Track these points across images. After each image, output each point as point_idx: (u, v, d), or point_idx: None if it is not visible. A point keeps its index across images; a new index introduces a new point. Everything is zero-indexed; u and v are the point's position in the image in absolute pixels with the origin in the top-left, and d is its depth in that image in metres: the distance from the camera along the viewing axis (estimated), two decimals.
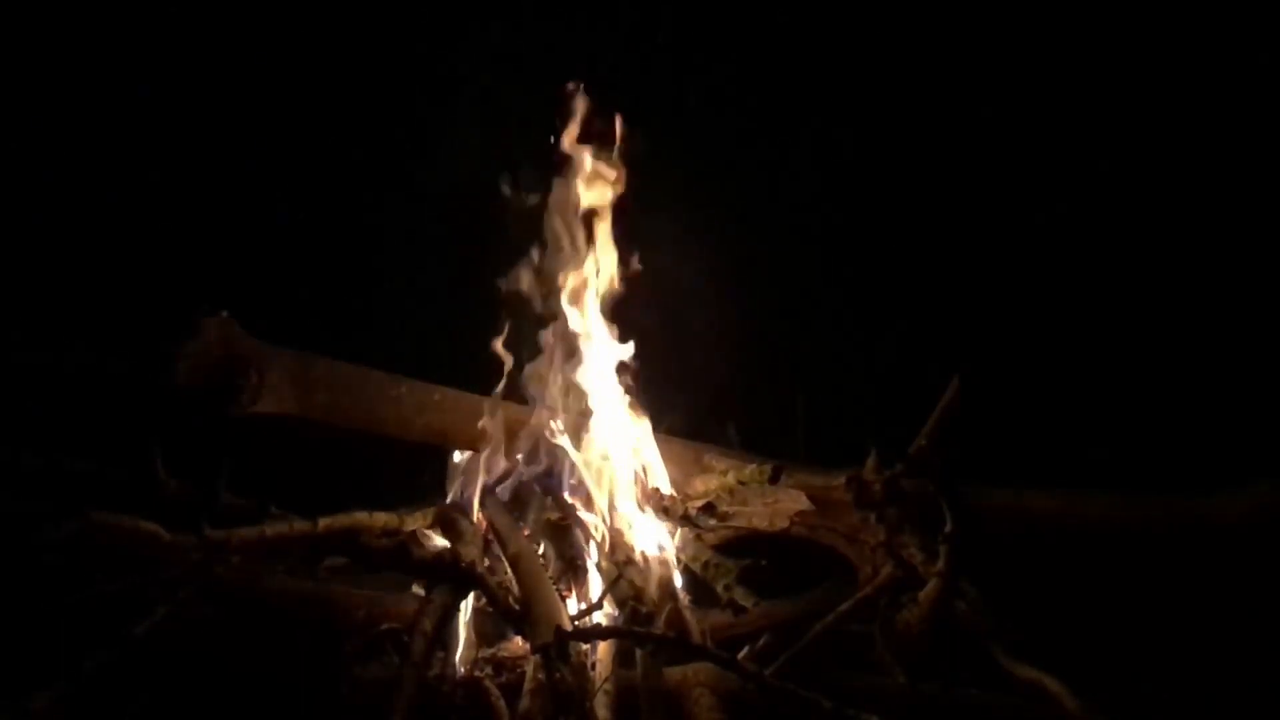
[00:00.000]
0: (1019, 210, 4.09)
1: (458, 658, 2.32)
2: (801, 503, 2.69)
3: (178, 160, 3.94)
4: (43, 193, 3.79)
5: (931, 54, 4.17)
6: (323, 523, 2.32)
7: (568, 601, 2.44)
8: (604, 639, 2.18)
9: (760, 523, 2.73)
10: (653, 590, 2.44)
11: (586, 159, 3.08)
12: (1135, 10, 4.00)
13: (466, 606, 2.41)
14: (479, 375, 3.24)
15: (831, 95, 4.20)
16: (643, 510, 2.81)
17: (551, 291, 3.13)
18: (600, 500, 2.79)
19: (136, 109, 3.95)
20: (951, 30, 4.17)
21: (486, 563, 2.48)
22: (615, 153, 3.07)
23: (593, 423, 2.97)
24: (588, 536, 2.66)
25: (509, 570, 2.44)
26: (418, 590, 2.51)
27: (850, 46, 4.21)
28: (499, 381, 3.23)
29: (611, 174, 3.05)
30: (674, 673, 2.18)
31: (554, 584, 2.38)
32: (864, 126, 4.20)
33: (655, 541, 2.71)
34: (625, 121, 3.12)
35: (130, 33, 3.95)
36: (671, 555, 2.65)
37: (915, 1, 4.24)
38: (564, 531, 2.66)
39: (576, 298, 3.10)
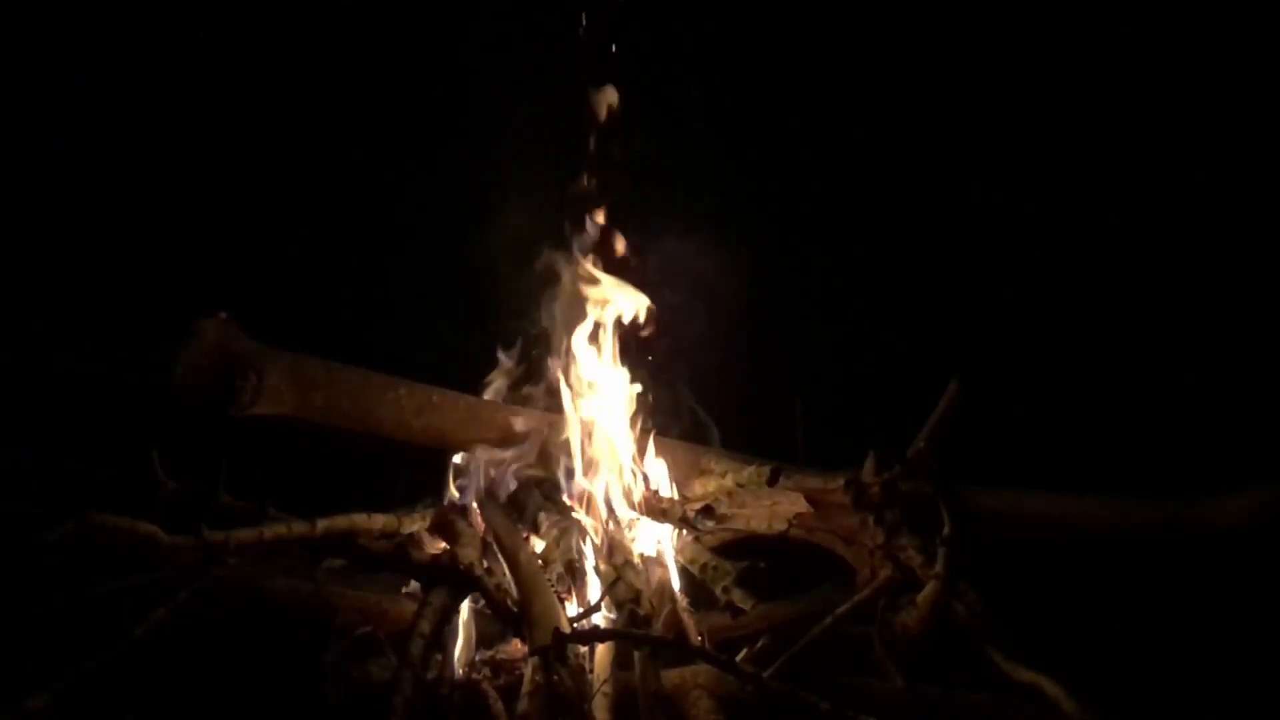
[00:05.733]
0: (1019, 212, 4.09)
1: (456, 660, 2.32)
2: (800, 505, 2.69)
3: (177, 162, 3.94)
4: (43, 194, 3.79)
5: (931, 54, 4.18)
6: (321, 524, 2.32)
7: (566, 604, 2.44)
8: (602, 641, 2.18)
9: (758, 525, 2.73)
10: (651, 592, 2.44)
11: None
12: (1134, 10, 4.00)
13: (465, 608, 2.41)
14: (478, 377, 3.26)
15: (831, 95, 4.20)
16: (641, 513, 2.81)
17: (554, 294, 3.14)
18: (599, 502, 2.80)
19: (137, 110, 3.96)
20: (953, 30, 4.17)
21: (485, 564, 2.48)
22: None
23: (592, 425, 2.97)
24: (587, 539, 2.66)
25: (507, 572, 2.44)
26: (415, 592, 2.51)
27: (850, 46, 4.21)
28: (498, 383, 3.24)
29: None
30: (672, 675, 2.18)
31: (552, 586, 2.39)
32: (864, 127, 4.20)
33: (654, 544, 2.71)
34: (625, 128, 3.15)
35: (133, 35, 3.95)
36: (670, 557, 2.65)
37: (917, 2, 4.25)
38: (563, 533, 2.66)
39: (579, 300, 3.10)
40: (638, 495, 2.85)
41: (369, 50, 4.10)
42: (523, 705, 2.04)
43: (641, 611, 2.32)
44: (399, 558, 2.36)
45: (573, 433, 2.95)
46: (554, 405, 3.06)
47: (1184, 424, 3.62)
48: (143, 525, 2.08)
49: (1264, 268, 3.78)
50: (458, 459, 2.99)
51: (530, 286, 3.16)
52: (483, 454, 2.93)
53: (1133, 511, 2.78)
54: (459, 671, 2.29)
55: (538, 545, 2.67)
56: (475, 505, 2.79)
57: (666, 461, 3.00)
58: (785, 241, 4.11)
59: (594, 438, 2.94)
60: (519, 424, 3.03)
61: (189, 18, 3.98)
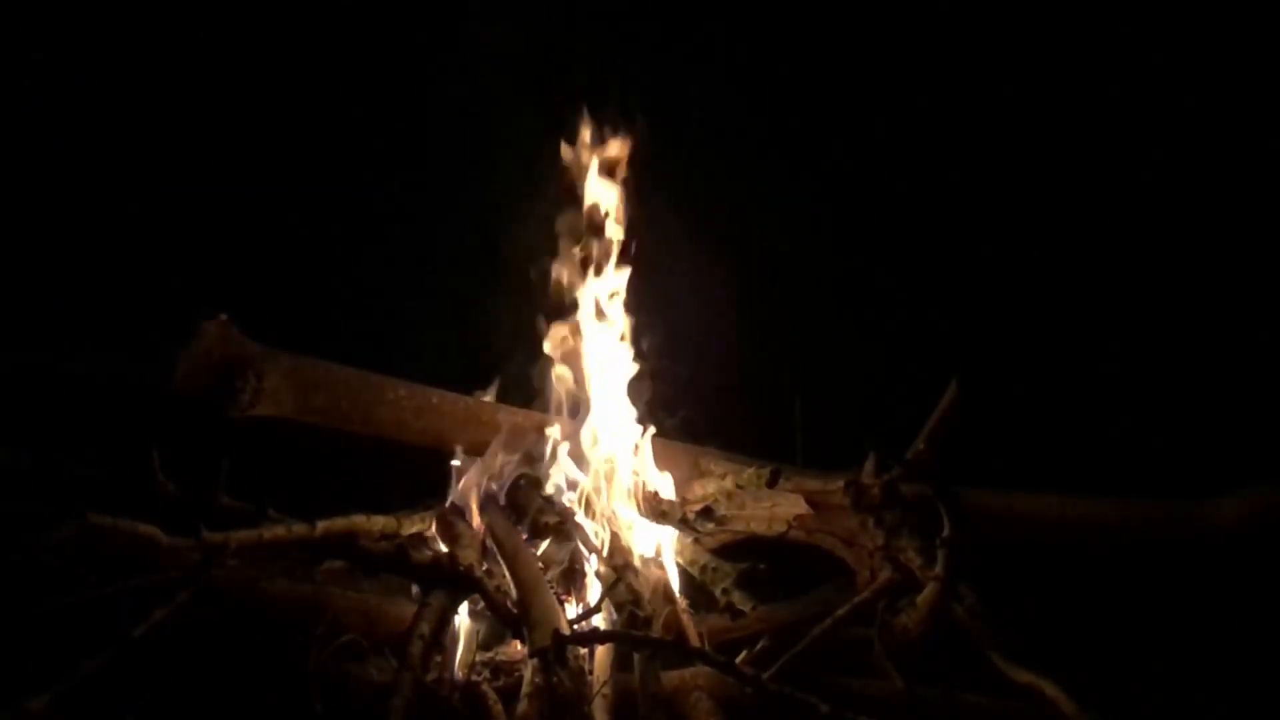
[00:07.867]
0: (1018, 213, 4.09)
1: (455, 661, 2.32)
2: (799, 506, 2.69)
3: (177, 163, 3.94)
4: (43, 195, 3.79)
5: (930, 55, 4.18)
6: (321, 526, 2.32)
7: (566, 605, 2.44)
8: (602, 643, 2.18)
9: (758, 526, 2.73)
10: (650, 594, 2.44)
11: (594, 163, 3.11)
12: (1134, 10, 4.00)
13: (464, 610, 2.41)
14: (478, 379, 3.26)
15: (830, 97, 4.20)
16: (641, 514, 2.81)
17: (554, 294, 3.14)
18: (599, 504, 2.79)
19: (137, 110, 3.95)
20: (951, 31, 4.17)
21: (485, 566, 2.48)
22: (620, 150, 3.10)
23: (592, 426, 2.97)
24: (586, 541, 2.66)
25: (507, 574, 2.44)
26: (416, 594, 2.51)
27: (849, 48, 4.21)
28: (498, 385, 3.24)
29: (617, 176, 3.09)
30: (672, 677, 2.18)
31: (552, 588, 2.38)
32: (862, 128, 4.20)
33: (653, 545, 2.71)
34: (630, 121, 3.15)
35: (131, 35, 3.95)
36: (670, 559, 2.65)
37: (916, 2, 4.25)
38: (562, 535, 2.66)
39: (579, 300, 3.10)
40: (637, 497, 2.85)
41: (374, 50, 4.09)
42: (522, 707, 2.04)
43: (641, 613, 2.32)
44: (399, 559, 2.36)
45: (572, 434, 2.95)
46: (555, 406, 3.06)
47: (1184, 424, 3.62)
48: (142, 526, 2.08)
49: (1263, 268, 3.78)
50: (457, 460, 2.99)
51: (531, 287, 3.16)
52: (483, 456, 2.93)
53: (1133, 511, 2.78)
54: (458, 673, 2.29)
55: (537, 547, 2.66)
56: (475, 507, 2.79)
57: (666, 463, 3.00)
58: (785, 240, 4.10)
59: (594, 439, 2.94)
60: (519, 425, 3.03)
61: (188, 18, 3.98)
